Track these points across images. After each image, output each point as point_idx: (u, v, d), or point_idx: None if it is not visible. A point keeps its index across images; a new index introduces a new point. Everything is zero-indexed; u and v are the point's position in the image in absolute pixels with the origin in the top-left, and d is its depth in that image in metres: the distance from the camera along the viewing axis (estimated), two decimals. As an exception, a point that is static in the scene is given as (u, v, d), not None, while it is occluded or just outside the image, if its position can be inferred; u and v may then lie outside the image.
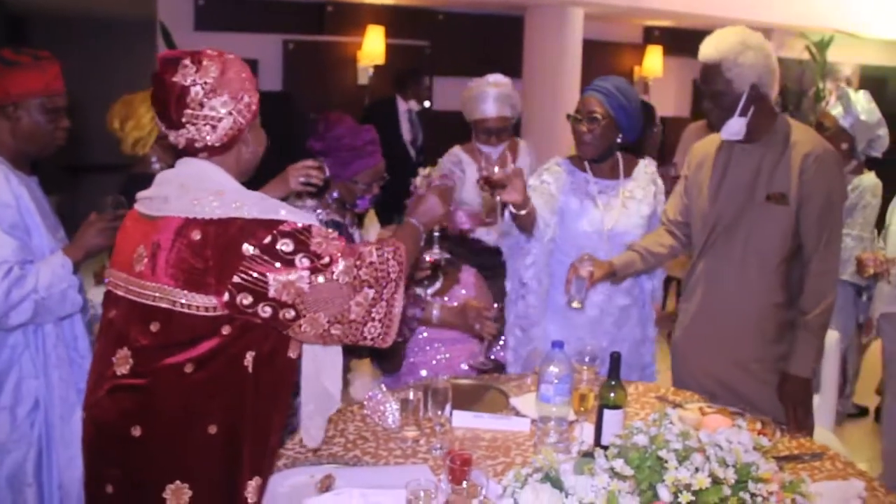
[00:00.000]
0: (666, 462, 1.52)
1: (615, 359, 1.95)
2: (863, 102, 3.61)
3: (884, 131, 3.61)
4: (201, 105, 1.60)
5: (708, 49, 2.32)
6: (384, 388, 2.25)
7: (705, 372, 2.46)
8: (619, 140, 2.66)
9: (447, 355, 2.87)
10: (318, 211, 2.61)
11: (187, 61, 1.61)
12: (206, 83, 1.60)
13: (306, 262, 1.55)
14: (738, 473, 1.54)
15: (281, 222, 1.56)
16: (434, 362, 2.86)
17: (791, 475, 1.71)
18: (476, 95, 3.57)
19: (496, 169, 2.42)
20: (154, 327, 1.57)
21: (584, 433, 2.05)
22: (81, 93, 3.43)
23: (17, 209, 2.26)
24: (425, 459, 2.01)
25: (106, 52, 8.40)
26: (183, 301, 1.54)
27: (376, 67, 7.16)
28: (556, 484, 1.52)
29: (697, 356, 2.50)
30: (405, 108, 5.92)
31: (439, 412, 2.14)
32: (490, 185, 2.43)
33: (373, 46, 7.18)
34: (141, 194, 1.71)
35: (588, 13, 7.05)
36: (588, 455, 1.58)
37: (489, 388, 2.51)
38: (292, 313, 1.55)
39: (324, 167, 2.32)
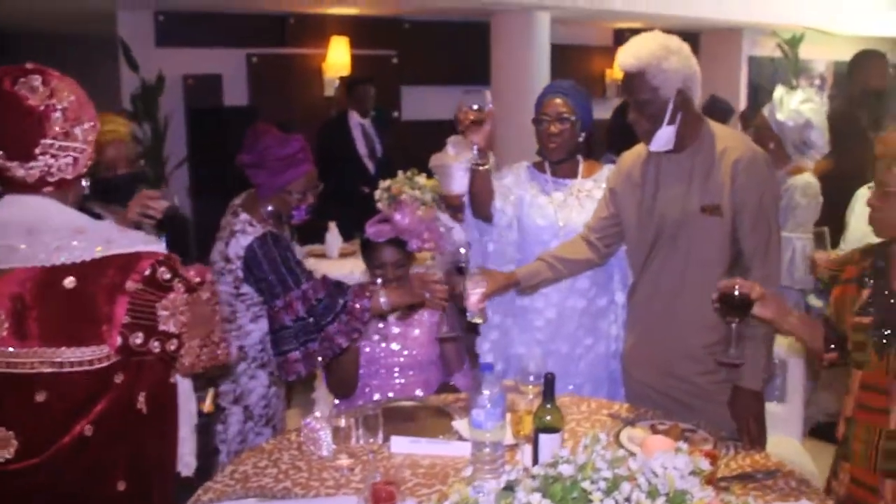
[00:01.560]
0: (590, 494, 1.41)
1: (549, 380, 1.85)
2: (791, 103, 3.50)
3: (816, 134, 3.49)
4: (66, 134, 1.41)
5: (628, 58, 2.22)
6: (318, 415, 2.14)
7: (655, 388, 2.37)
8: (580, 139, 2.66)
9: (401, 381, 2.77)
10: (253, 225, 2.50)
11: (37, 82, 1.41)
12: (65, 109, 1.41)
13: (182, 287, 1.46)
14: (670, 502, 1.44)
15: (153, 252, 1.45)
16: (387, 386, 2.76)
17: (739, 497, 1.62)
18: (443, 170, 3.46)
19: (474, 107, 2.47)
20: (40, 397, 1.39)
21: (526, 457, 1.95)
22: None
23: None
24: (358, 489, 1.91)
25: (70, 69, 8.28)
26: (72, 360, 1.38)
27: (342, 79, 7.06)
28: (475, 520, 1.41)
29: (646, 372, 2.40)
30: (357, 121, 5.81)
31: (371, 439, 2.03)
32: (462, 123, 2.48)
33: (337, 57, 7.09)
34: None
35: (555, 17, 6.98)
36: (509, 488, 1.47)
37: (433, 409, 2.41)
38: (176, 343, 1.45)
39: (171, 197, 2.16)
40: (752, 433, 2.14)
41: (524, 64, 6.78)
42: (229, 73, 7.02)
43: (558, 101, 2.62)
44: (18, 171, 1.43)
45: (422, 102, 7.63)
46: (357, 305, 2.41)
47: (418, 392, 2.75)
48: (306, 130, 6.18)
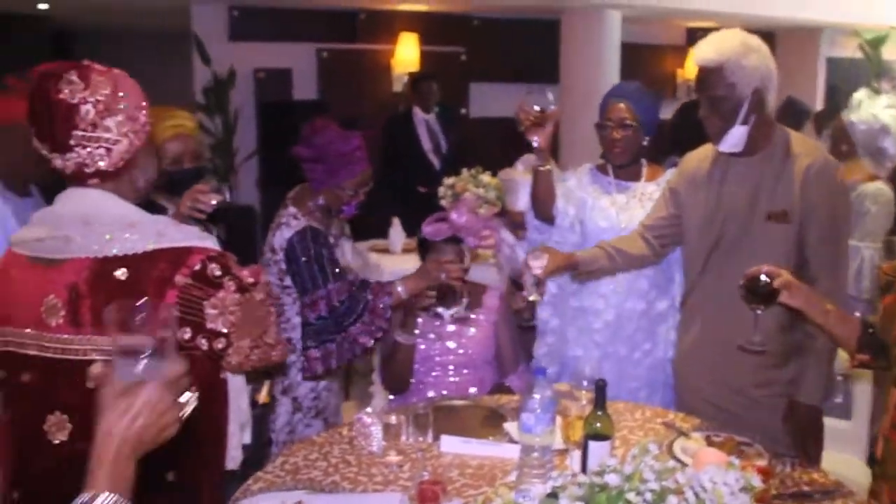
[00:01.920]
0: (634, 505, 1.39)
1: (601, 386, 1.82)
2: (871, 107, 3.37)
3: (890, 142, 3.34)
4: (94, 125, 1.44)
5: (707, 52, 2.16)
6: (370, 411, 2.16)
7: (708, 398, 2.31)
8: (644, 143, 2.63)
9: (456, 379, 2.77)
10: (297, 218, 2.55)
11: (74, 76, 1.44)
12: (97, 101, 1.44)
13: (233, 286, 1.48)
14: (719, 518, 1.41)
15: (206, 248, 1.48)
16: (441, 384, 2.77)
17: None
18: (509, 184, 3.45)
19: (536, 108, 2.46)
20: (91, 384, 1.44)
21: (575, 464, 1.93)
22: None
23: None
24: (405, 487, 1.92)
25: (144, 65, 8.55)
26: None
27: (410, 75, 7.11)
28: (517, 526, 1.41)
29: (699, 382, 2.35)
30: (422, 117, 5.82)
31: (421, 437, 2.04)
32: (523, 123, 2.48)
33: (406, 53, 7.14)
34: (22, 236, 1.55)
35: (626, 15, 6.88)
36: (553, 495, 1.46)
37: (487, 410, 2.40)
38: (224, 342, 1.47)
39: (223, 191, 2.20)
40: (808, 450, 2.07)
41: (594, 63, 6.71)
42: (299, 68, 7.14)
43: (621, 105, 2.59)
44: (58, 162, 1.48)
45: (490, 99, 7.63)
46: (379, 304, 2.43)
47: (472, 390, 2.75)
48: (373, 126, 6.30)
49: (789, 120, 4.59)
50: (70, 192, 1.52)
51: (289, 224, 2.54)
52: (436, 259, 2.53)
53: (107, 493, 0.99)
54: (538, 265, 2.28)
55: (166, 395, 1.06)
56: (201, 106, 6.59)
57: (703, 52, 2.17)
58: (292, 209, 2.57)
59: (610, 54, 6.76)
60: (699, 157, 2.39)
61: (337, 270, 2.52)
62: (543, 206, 2.62)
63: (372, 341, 2.47)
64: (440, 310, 2.66)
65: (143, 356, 1.05)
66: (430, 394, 2.74)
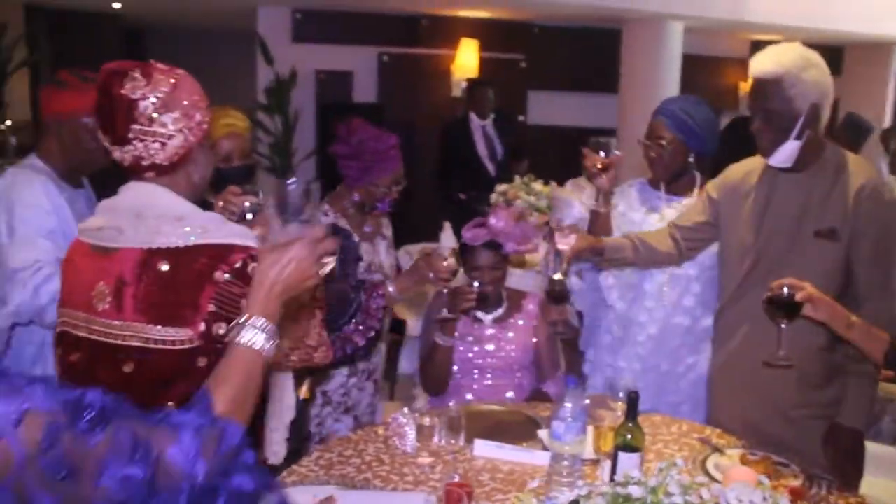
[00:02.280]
0: (656, 518, 1.39)
1: (633, 399, 1.82)
2: None
3: None
4: (151, 120, 1.49)
5: (766, 63, 2.13)
6: (406, 411, 2.20)
7: (743, 417, 2.28)
8: (691, 159, 2.60)
9: (494, 382, 2.79)
10: (327, 215, 2.65)
11: (137, 73, 1.51)
12: (156, 98, 1.50)
13: None
14: (741, 537, 1.40)
15: (248, 247, 1.52)
16: (479, 387, 2.80)
17: None
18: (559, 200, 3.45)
19: (602, 154, 2.52)
20: (128, 368, 1.50)
21: (605, 474, 1.93)
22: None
23: (56, 217, 2.35)
24: (435, 488, 1.94)
25: (211, 64, 8.80)
26: (156, 337, 1.47)
27: (469, 80, 7.15)
28: (538, 531, 1.42)
29: (735, 400, 2.31)
30: (478, 123, 5.85)
31: (453, 440, 2.07)
32: (589, 170, 2.57)
33: (466, 59, 7.18)
34: (86, 225, 1.62)
35: (689, 27, 6.81)
36: (574, 502, 1.47)
37: (523, 416, 2.41)
38: None
39: (257, 193, 2.22)
40: (846, 473, 2.03)
41: (653, 73, 6.66)
42: (360, 70, 7.25)
43: (658, 123, 2.58)
44: (118, 154, 1.54)
45: (548, 107, 7.63)
46: (372, 305, 2.46)
47: (510, 395, 2.76)
48: (431, 130, 6.33)
49: (849, 136, 4.48)
50: (130, 184, 1.59)
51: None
52: (427, 257, 2.49)
53: (260, 317, 1.24)
54: (566, 243, 2.30)
55: (310, 253, 1.29)
56: (262, 105, 6.74)
57: (762, 64, 2.14)
58: (325, 206, 2.69)
59: (670, 65, 6.70)
60: (745, 169, 2.35)
61: (350, 272, 2.58)
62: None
63: (364, 341, 2.51)
64: (479, 314, 2.68)
65: (292, 221, 1.30)
66: (469, 396, 2.76)
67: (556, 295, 2.57)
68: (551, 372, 2.84)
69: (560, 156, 6.12)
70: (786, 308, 1.91)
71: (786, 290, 1.89)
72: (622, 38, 6.89)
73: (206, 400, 1.08)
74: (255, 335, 1.24)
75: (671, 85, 6.68)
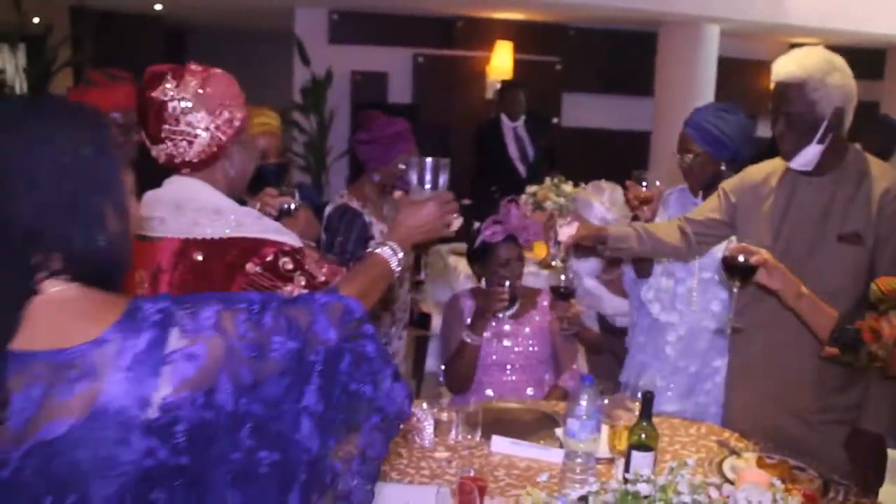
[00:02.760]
0: (662, 515, 1.40)
1: (647, 398, 1.84)
2: None
3: None
4: (177, 120, 1.57)
5: (790, 66, 2.12)
6: (424, 407, 2.23)
7: (761, 421, 2.26)
8: (722, 167, 2.62)
9: (513, 377, 2.83)
10: (342, 196, 2.99)
11: (169, 76, 1.58)
12: (183, 98, 1.57)
13: (303, 281, 1.55)
14: (747, 536, 1.41)
15: (281, 242, 1.57)
16: (499, 383, 2.83)
17: None
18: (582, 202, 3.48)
19: (644, 186, 2.60)
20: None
21: (620, 472, 1.95)
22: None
23: None
24: (451, 482, 1.97)
25: (249, 64, 8.94)
26: None
27: (502, 82, 7.18)
28: (545, 525, 1.44)
29: (753, 404, 2.30)
30: (509, 124, 5.87)
31: (469, 435, 2.10)
32: (633, 201, 2.69)
33: (501, 61, 7.20)
34: None
35: (725, 30, 6.75)
36: (583, 499, 1.49)
37: (540, 413, 2.43)
38: None
39: (293, 194, 2.29)
40: (867, 478, 2.02)
41: (689, 77, 6.62)
42: (396, 72, 7.32)
43: (686, 135, 2.62)
44: (154, 151, 1.64)
45: (582, 109, 7.62)
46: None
47: (530, 391, 2.80)
48: (466, 131, 6.36)
49: (881, 139, 4.40)
50: (172, 178, 1.68)
51: (333, 201, 3.07)
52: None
53: (395, 242, 1.53)
54: (566, 232, 2.34)
55: (439, 210, 1.62)
56: (298, 105, 6.83)
57: (785, 68, 2.13)
58: (344, 191, 3.08)
59: (706, 69, 6.65)
60: (765, 170, 2.34)
61: (350, 252, 2.78)
62: (643, 270, 2.76)
63: None
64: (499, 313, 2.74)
65: (427, 186, 1.66)
66: (489, 392, 2.80)
67: (561, 292, 2.72)
68: (567, 365, 2.89)
69: (594, 158, 6.13)
70: (740, 271, 1.97)
71: (741, 256, 1.95)
72: (658, 41, 6.85)
73: (334, 288, 1.33)
74: (388, 251, 1.53)
75: (707, 88, 6.63)
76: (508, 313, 2.84)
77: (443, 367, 2.91)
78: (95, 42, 7.78)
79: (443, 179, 1.68)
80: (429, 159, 1.68)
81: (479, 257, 2.89)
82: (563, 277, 2.69)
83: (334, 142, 7.07)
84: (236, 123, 1.63)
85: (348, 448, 1.07)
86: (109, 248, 1.00)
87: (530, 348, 2.84)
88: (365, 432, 1.08)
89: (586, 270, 3.29)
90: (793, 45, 8.15)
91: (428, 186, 1.66)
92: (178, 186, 1.65)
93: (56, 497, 0.91)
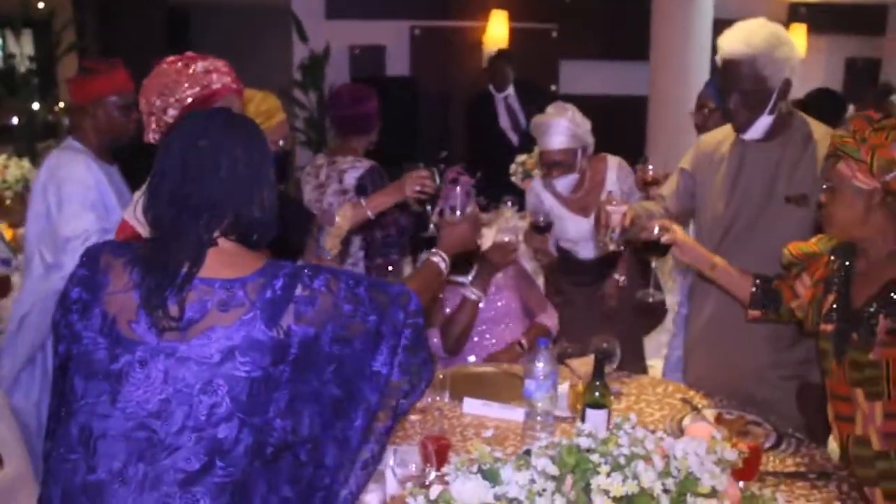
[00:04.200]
0: (598, 467, 1.50)
1: (599, 359, 1.93)
2: None
3: None
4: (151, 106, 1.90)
5: (736, 44, 2.18)
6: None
7: (720, 378, 2.36)
8: None
9: (493, 340, 2.93)
10: (361, 160, 3.27)
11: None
12: (157, 87, 1.92)
13: None
14: (679, 486, 1.50)
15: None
16: (481, 346, 2.94)
17: (768, 492, 1.66)
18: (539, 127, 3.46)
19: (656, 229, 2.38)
20: None
21: (580, 430, 2.05)
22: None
23: (97, 191, 2.64)
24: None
25: (249, 42, 8.98)
26: None
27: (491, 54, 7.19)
28: (490, 476, 1.54)
29: (712, 362, 2.40)
30: (500, 95, 5.91)
31: (438, 397, 2.21)
32: (642, 181, 3.16)
33: (496, 31, 7.21)
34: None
35: (720, -9, 6.70)
36: (527, 453, 1.59)
37: (514, 376, 2.53)
38: None
39: (435, 176, 2.43)
40: (816, 430, 2.11)
41: (685, 40, 6.58)
42: (393, 45, 7.35)
43: (704, 93, 3.14)
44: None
45: (580, 76, 7.62)
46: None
47: (499, 348, 2.92)
48: (464, 102, 6.37)
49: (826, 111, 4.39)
50: None
51: (354, 166, 3.28)
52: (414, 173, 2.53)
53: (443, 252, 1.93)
54: (619, 213, 2.23)
55: (472, 229, 2.09)
56: (297, 82, 6.90)
57: (733, 45, 2.19)
58: (350, 157, 3.31)
59: (702, 31, 6.60)
60: (716, 139, 2.42)
61: None
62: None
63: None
64: (459, 278, 2.81)
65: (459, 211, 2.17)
66: (471, 358, 2.90)
67: (540, 227, 2.91)
68: (540, 308, 3.03)
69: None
70: (654, 248, 2.15)
71: (656, 229, 2.10)
72: (652, 4, 6.82)
73: (403, 283, 1.67)
74: (439, 260, 1.92)
75: (703, 51, 6.59)
76: (468, 278, 2.90)
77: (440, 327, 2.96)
78: (99, 24, 7.87)
79: (470, 205, 2.19)
80: (458, 189, 2.17)
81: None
82: (541, 217, 2.89)
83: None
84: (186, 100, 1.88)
85: (386, 412, 1.46)
86: (262, 219, 1.43)
87: (498, 303, 2.94)
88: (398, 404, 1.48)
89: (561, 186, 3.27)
90: (791, 6, 8.08)
91: (458, 213, 2.17)
92: None
93: (206, 382, 1.32)
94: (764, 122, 2.21)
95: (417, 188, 2.43)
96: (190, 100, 1.84)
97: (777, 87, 2.17)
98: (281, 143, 2.74)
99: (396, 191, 2.45)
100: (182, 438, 1.32)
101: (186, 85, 1.83)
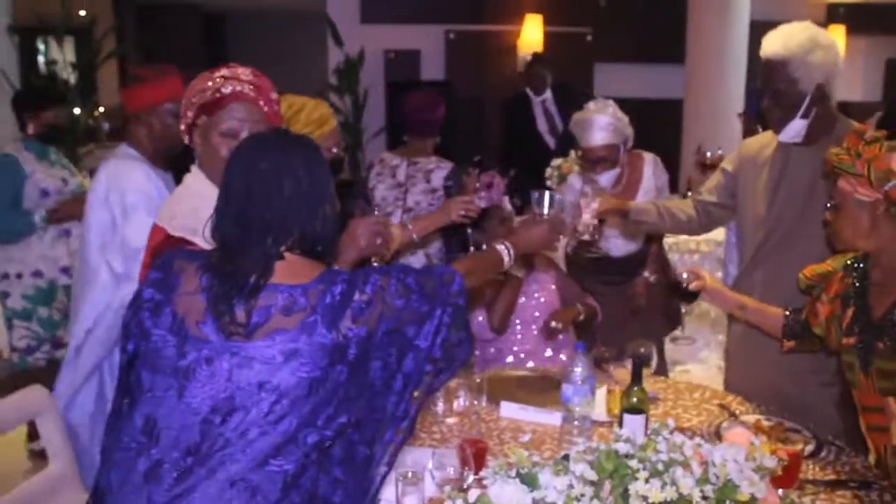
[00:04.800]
0: (636, 473, 1.51)
1: (637, 363, 1.93)
2: None
3: None
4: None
5: (774, 45, 2.19)
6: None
7: (761, 384, 2.35)
8: None
9: (528, 345, 2.95)
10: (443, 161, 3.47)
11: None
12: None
13: None
14: (718, 493, 1.50)
15: None
16: (518, 348, 2.96)
17: (824, 501, 1.66)
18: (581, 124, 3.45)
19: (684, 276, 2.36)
20: None
21: (618, 435, 2.05)
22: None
23: (159, 199, 2.58)
24: (459, 445, 2.10)
25: (284, 47, 9.08)
26: None
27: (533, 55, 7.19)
28: (529, 481, 1.56)
29: (753, 367, 2.38)
30: (538, 99, 5.91)
31: (475, 401, 2.22)
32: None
33: (531, 35, 7.22)
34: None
35: (757, -7, 6.65)
36: (566, 458, 1.60)
37: (550, 380, 2.54)
38: None
39: (476, 203, 2.47)
40: (858, 440, 2.08)
41: (720, 42, 6.54)
42: (428, 49, 7.39)
43: None
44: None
45: (615, 80, 7.59)
46: None
47: (548, 353, 2.95)
48: (498, 106, 6.40)
49: None
50: None
51: (440, 167, 3.47)
52: (458, 198, 2.61)
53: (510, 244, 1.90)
54: (591, 208, 2.40)
55: (552, 232, 2.02)
56: (332, 86, 6.97)
57: (770, 45, 2.21)
58: (433, 158, 3.50)
59: (738, 33, 6.55)
60: (761, 142, 2.42)
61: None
62: None
63: None
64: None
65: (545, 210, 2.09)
66: (509, 359, 2.93)
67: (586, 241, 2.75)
68: (577, 294, 3.07)
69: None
70: (683, 295, 2.16)
71: (685, 276, 2.11)
72: (688, 6, 6.78)
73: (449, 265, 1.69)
74: (503, 249, 1.88)
75: (739, 53, 6.54)
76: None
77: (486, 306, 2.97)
78: (137, 32, 8.01)
79: (556, 206, 2.10)
80: (547, 193, 2.10)
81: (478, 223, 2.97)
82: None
83: (369, 121, 7.19)
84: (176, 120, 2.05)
85: (421, 388, 1.54)
86: (323, 232, 1.50)
87: (542, 300, 2.98)
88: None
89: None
90: (830, 6, 7.98)
91: (545, 211, 2.08)
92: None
93: (268, 382, 1.38)
94: (797, 126, 2.21)
95: (462, 213, 2.48)
96: (202, 103, 1.88)
97: (809, 91, 2.17)
98: (334, 150, 2.78)
99: (442, 215, 2.50)
100: (242, 433, 1.38)
101: (201, 88, 1.88)
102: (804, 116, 2.19)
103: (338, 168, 2.86)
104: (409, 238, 2.45)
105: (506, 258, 1.89)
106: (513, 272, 2.83)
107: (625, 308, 3.36)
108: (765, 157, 2.36)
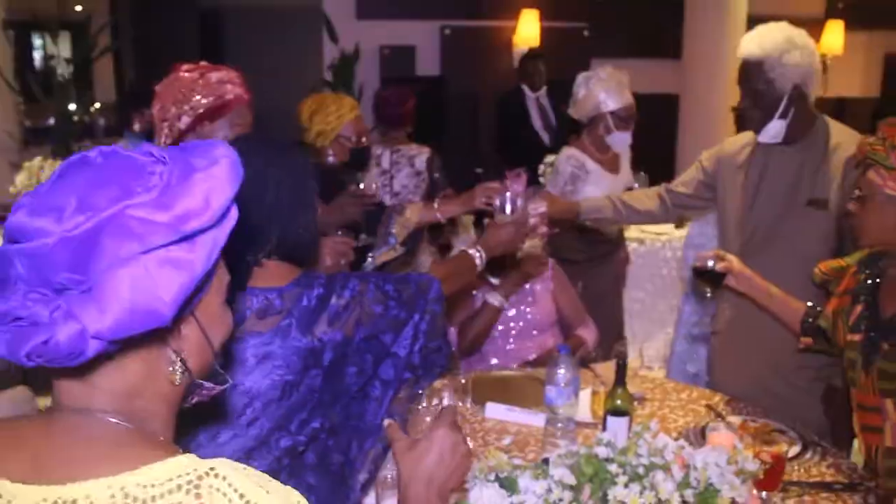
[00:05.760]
0: (615, 477, 1.50)
1: (621, 365, 1.92)
2: None
3: None
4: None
5: (750, 46, 2.21)
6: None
7: (746, 381, 2.34)
8: None
9: (514, 346, 2.92)
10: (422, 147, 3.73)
11: None
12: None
13: None
14: (699, 497, 1.49)
15: None
16: (502, 351, 2.93)
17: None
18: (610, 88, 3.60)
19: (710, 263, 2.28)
20: None
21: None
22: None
23: None
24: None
25: (280, 42, 9.04)
26: None
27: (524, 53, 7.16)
28: (508, 485, 1.54)
29: (736, 363, 2.38)
30: (533, 95, 5.89)
31: (460, 402, 2.21)
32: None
33: (527, 30, 7.19)
34: None
35: (755, -12, 6.61)
36: (546, 461, 1.59)
37: (536, 381, 2.52)
38: None
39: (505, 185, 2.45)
40: (840, 435, 2.08)
41: (717, 37, 6.50)
42: (423, 45, 7.35)
43: None
44: None
45: (612, 76, 7.55)
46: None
47: (533, 356, 2.88)
48: (494, 101, 6.37)
49: None
50: None
51: (420, 152, 3.78)
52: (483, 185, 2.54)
53: (482, 249, 1.94)
54: (539, 212, 2.32)
55: (517, 232, 2.08)
56: (328, 82, 6.94)
57: (747, 46, 2.24)
58: (413, 145, 3.80)
59: (735, 28, 6.50)
60: (741, 142, 2.43)
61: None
62: None
63: None
64: (494, 280, 2.81)
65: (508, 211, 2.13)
66: (494, 360, 2.90)
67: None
68: (579, 321, 2.99)
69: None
70: (709, 278, 2.07)
71: (710, 262, 2.00)
72: (685, 2, 6.74)
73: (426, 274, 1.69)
74: (475, 253, 1.90)
75: (736, 49, 6.51)
76: (498, 280, 2.88)
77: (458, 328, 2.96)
78: (133, 27, 7.98)
79: (520, 205, 2.09)
80: (508, 192, 2.10)
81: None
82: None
83: (365, 117, 7.14)
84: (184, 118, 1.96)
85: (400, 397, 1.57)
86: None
87: (529, 316, 2.90)
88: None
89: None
90: (828, 2, 7.93)
91: (508, 211, 2.10)
92: None
93: (241, 385, 1.38)
94: (776, 126, 2.22)
95: (486, 199, 2.46)
96: (203, 109, 1.86)
97: (787, 91, 2.17)
98: (363, 139, 2.91)
99: (467, 201, 2.48)
100: (213, 436, 1.38)
101: (200, 94, 1.86)
102: (782, 117, 2.21)
103: (363, 159, 2.97)
104: (433, 217, 2.50)
105: (478, 261, 1.92)
106: (491, 301, 2.80)
107: (609, 280, 3.47)
108: (744, 157, 2.37)
